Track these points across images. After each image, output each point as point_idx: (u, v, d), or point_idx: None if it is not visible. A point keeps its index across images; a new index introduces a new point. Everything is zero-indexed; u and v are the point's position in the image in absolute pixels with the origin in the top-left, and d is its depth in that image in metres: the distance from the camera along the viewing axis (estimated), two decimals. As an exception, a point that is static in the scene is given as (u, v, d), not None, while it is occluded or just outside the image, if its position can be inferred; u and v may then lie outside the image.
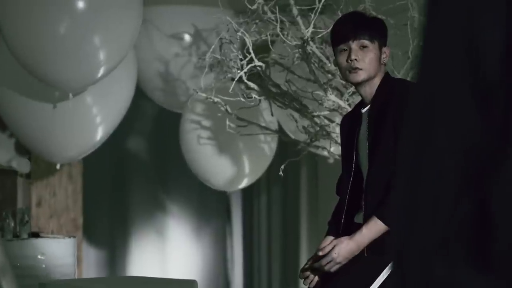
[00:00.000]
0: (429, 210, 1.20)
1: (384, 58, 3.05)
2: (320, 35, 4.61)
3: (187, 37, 5.63)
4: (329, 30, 4.53)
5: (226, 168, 5.66)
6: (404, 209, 1.23)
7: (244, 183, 5.86)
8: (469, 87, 1.17)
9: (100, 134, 5.32)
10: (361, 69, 3.00)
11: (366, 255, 2.90)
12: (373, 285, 2.89)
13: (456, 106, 1.17)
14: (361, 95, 3.08)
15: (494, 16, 1.16)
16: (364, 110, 3.06)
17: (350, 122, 3.14)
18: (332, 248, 2.91)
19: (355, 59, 2.99)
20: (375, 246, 2.89)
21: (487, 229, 1.17)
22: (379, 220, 2.84)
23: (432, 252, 1.22)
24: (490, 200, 1.16)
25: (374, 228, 2.86)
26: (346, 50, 3.01)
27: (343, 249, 2.89)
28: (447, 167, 1.17)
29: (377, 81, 3.04)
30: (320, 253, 2.96)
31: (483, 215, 1.17)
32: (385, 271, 2.90)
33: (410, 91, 2.70)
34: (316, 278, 3.05)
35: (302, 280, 3.11)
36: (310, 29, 4.52)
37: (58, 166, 5.54)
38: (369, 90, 3.04)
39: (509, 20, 1.15)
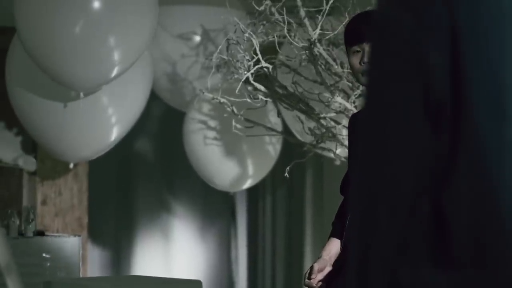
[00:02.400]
0: (388, 216, 1.34)
1: None
2: (327, 37, 4.60)
3: (195, 37, 5.63)
4: (336, 32, 4.54)
5: (230, 169, 5.66)
6: (365, 217, 1.37)
7: (247, 184, 5.86)
8: (422, 106, 1.33)
9: (114, 134, 5.32)
10: None
11: None
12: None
13: (410, 124, 1.34)
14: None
15: (440, 40, 1.33)
16: (373, 111, 3.04)
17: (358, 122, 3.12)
18: None
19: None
20: None
21: (445, 230, 1.33)
22: None
23: (394, 254, 1.36)
24: (445, 205, 1.33)
25: None
26: (360, 51, 2.95)
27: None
28: (404, 178, 1.34)
29: None
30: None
31: (439, 217, 1.34)
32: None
33: None
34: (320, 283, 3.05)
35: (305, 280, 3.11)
36: (317, 30, 4.52)
37: (71, 166, 5.55)
38: (380, 92, 3.02)
39: (453, 44, 1.33)
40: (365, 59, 2.92)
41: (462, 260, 1.34)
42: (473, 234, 1.35)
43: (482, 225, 1.35)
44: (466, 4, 1.36)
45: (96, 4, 4.50)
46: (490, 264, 1.34)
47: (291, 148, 5.76)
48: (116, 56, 4.66)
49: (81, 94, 4.81)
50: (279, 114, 5.25)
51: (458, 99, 1.34)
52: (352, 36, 2.99)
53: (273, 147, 5.78)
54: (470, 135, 1.35)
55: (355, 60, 2.97)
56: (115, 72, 4.72)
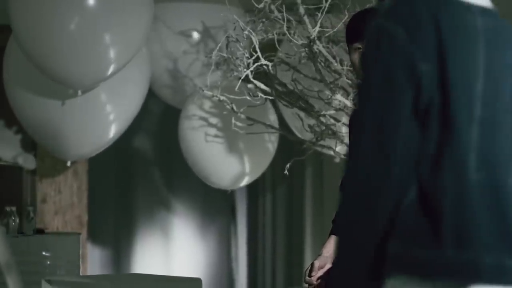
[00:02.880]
0: (379, 198, 1.63)
1: None
2: (326, 35, 4.60)
3: (195, 34, 5.63)
4: (335, 29, 4.54)
5: (227, 166, 5.65)
6: (356, 199, 1.66)
7: (245, 181, 5.85)
8: (413, 108, 1.62)
9: (112, 132, 5.31)
10: None
11: None
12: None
13: (402, 123, 1.63)
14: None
15: (428, 52, 1.62)
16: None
17: None
18: None
19: None
20: None
21: (430, 215, 1.62)
22: None
23: (382, 230, 1.64)
24: (431, 193, 1.63)
25: None
26: (361, 49, 2.95)
27: None
28: (395, 168, 1.63)
29: None
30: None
31: (426, 204, 1.63)
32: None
33: None
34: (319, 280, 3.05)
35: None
36: (317, 28, 4.52)
37: (68, 163, 5.54)
38: (381, 89, 3.02)
39: (439, 53, 1.62)
40: None
41: (444, 242, 1.61)
42: (455, 220, 1.62)
43: (462, 212, 1.63)
44: (450, 23, 1.67)
45: (92, 2, 4.49)
46: (467, 246, 1.62)
47: (291, 145, 5.75)
48: (112, 53, 4.65)
49: (79, 92, 4.81)
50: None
51: (444, 102, 1.63)
52: (353, 33, 3.00)
53: (270, 144, 5.78)
54: (453, 133, 1.64)
55: (357, 57, 2.98)
56: (111, 69, 4.72)
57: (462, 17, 1.71)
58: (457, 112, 1.65)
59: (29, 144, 5.96)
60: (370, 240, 1.65)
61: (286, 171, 4.78)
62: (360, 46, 2.96)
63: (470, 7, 1.74)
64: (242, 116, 5.02)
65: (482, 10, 1.76)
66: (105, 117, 5.25)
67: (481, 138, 1.70)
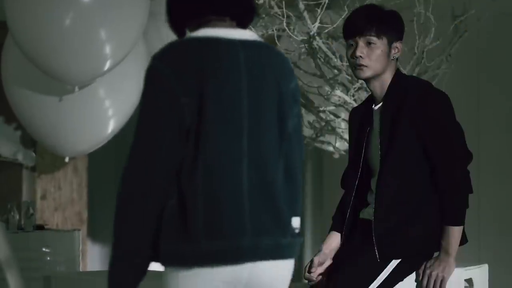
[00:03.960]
0: (143, 202, 2.14)
1: (394, 53, 3.00)
2: (326, 30, 4.60)
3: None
4: (335, 25, 4.54)
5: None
6: (124, 201, 2.21)
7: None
8: (176, 130, 2.11)
9: (110, 128, 5.31)
10: (366, 66, 2.98)
11: (379, 260, 2.91)
12: (376, 279, 2.90)
13: (167, 141, 2.12)
14: (371, 90, 3.06)
15: (189, 87, 2.12)
16: (376, 108, 3.03)
17: (360, 117, 3.11)
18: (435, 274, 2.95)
19: (360, 56, 2.97)
20: (387, 249, 2.91)
21: (187, 214, 2.09)
22: (451, 227, 2.91)
23: (152, 231, 2.12)
24: (187, 196, 2.10)
25: (455, 235, 2.92)
26: (353, 45, 2.99)
27: (447, 268, 2.95)
28: (157, 175, 2.12)
29: (387, 77, 3.00)
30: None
31: (184, 206, 2.10)
32: (389, 266, 2.91)
33: (427, 90, 2.95)
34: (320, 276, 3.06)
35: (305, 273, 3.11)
36: (317, 24, 4.52)
37: (66, 159, 5.54)
38: (379, 86, 3.02)
39: (200, 88, 2.12)
40: (357, 53, 2.96)
41: (199, 234, 2.08)
42: (206, 218, 2.09)
43: (211, 212, 2.10)
44: (214, 61, 2.15)
45: (86, -2, 4.50)
46: (216, 237, 2.09)
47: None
48: (108, 49, 4.65)
49: (76, 88, 4.81)
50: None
51: (200, 125, 2.11)
52: (346, 30, 3.04)
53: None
54: (206, 149, 2.11)
55: (349, 53, 3.00)
56: (107, 65, 4.71)
57: (225, 53, 2.17)
58: (216, 130, 2.12)
59: (29, 141, 5.95)
60: (138, 238, 2.14)
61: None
62: (352, 42, 2.99)
63: (233, 42, 2.20)
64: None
65: (244, 43, 2.21)
66: (103, 113, 5.25)
67: (249, 146, 2.16)
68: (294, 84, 2.28)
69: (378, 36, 2.97)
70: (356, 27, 3.00)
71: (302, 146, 2.31)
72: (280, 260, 2.21)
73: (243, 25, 2.32)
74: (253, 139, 2.17)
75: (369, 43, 2.97)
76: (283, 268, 2.25)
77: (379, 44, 2.97)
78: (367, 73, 2.99)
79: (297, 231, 2.25)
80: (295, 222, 2.24)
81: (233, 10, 2.28)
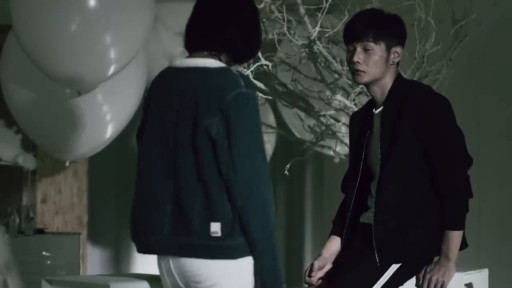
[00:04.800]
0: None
1: (393, 58, 3.00)
2: (327, 35, 4.60)
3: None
4: (336, 30, 4.54)
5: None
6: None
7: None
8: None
9: (110, 132, 5.31)
10: (363, 72, 2.98)
11: (378, 265, 2.91)
12: (376, 284, 2.90)
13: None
14: (371, 94, 3.06)
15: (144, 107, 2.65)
16: (376, 112, 3.03)
17: (361, 121, 3.11)
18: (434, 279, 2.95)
19: (357, 62, 2.97)
20: (387, 254, 2.91)
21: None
22: (452, 231, 2.91)
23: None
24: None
25: (456, 239, 2.91)
26: (352, 50, 3.00)
27: (447, 273, 2.94)
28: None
29: (387, 82, 3.00)
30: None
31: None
32: (389, 270, 2.91)
33: (428, 94, 2.94)
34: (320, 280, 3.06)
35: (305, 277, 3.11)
36: (317, 28, 4.52)
37: (67, 163, 5.54)
38: (379, 90, 3.02)
39: (147, 109, 2.65)
40: (354, 59, 2.96)
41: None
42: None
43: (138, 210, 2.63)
44: (158, 86, 2.65)
45: (92, 2, 4.49)
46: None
47: (291, 145, 5.75)
48: (112, 54, 4.64)
49: (79, 93, 4.81)
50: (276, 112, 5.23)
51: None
52: (345, 35, 3.04)
53: (270, 145, 5.78)
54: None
55: (348, 58, 3.01)
56: (112, 70, 4.71)
57: (168, 79, 2.60)
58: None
59: (29, 144, 5.96)
60: None
61: (286, 171, 4.78)
62: (351, 47, 2.99)
63: (178, 70, 2.59)
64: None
65: (189, 69, 2.57)
66: (102, 117, 5.25)
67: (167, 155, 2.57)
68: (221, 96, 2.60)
69: (376, 41, 2.96)
70: (354, 32, 3.00)
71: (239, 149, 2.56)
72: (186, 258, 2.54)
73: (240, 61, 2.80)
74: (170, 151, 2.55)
75: (366, 49, 2.97)
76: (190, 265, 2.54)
77: (377, 50, 2.97)
78: (365, 78, 2.99)
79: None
80: (213, 226, 2.51)
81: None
